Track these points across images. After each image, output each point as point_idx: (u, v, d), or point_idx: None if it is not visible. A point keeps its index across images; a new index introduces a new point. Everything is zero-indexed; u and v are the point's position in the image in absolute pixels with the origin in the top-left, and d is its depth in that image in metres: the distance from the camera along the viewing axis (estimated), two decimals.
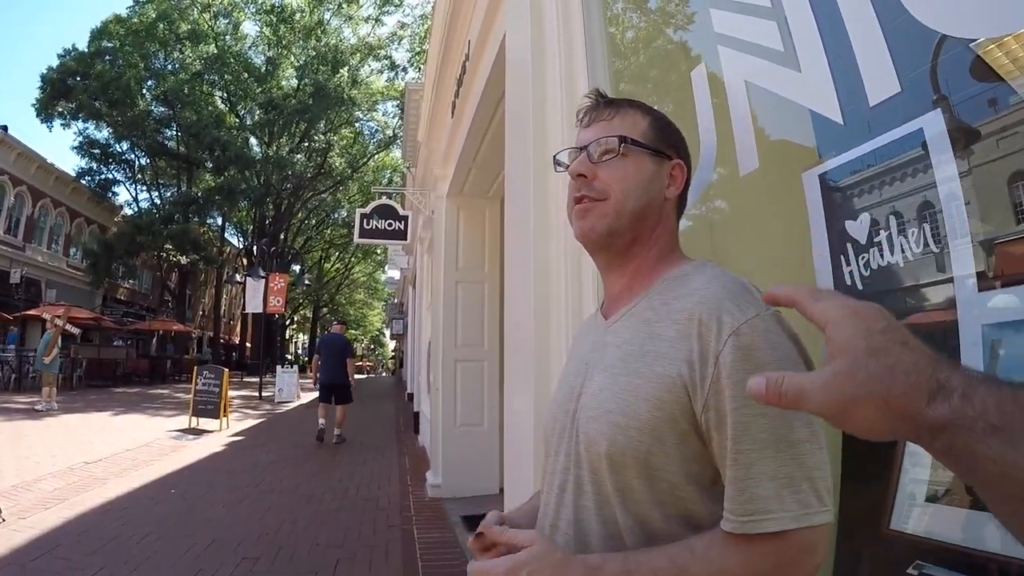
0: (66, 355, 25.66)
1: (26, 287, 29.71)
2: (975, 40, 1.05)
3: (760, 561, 0.97)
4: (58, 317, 16.23)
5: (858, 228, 1.27)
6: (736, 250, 1.66)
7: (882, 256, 1.22)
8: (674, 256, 1.25)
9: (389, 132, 42.78)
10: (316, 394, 13.20)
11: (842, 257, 1.29)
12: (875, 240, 1.23)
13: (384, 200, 12.52)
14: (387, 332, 52.31)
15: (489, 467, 7.77)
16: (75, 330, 17.68)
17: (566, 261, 2.56)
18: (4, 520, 5.91)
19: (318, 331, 65.88)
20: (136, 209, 39.21)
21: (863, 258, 1.25)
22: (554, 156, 1.36)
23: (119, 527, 6.07)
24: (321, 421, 12.58)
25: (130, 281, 41.46)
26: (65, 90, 33.79)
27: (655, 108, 1.29)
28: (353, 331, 69.89)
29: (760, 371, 0.95)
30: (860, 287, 1.25)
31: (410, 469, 9.84)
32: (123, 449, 10.63)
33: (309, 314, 60.68)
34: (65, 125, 35.93)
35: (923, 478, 1.18)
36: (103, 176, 38.24)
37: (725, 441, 1.00)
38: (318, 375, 13.23)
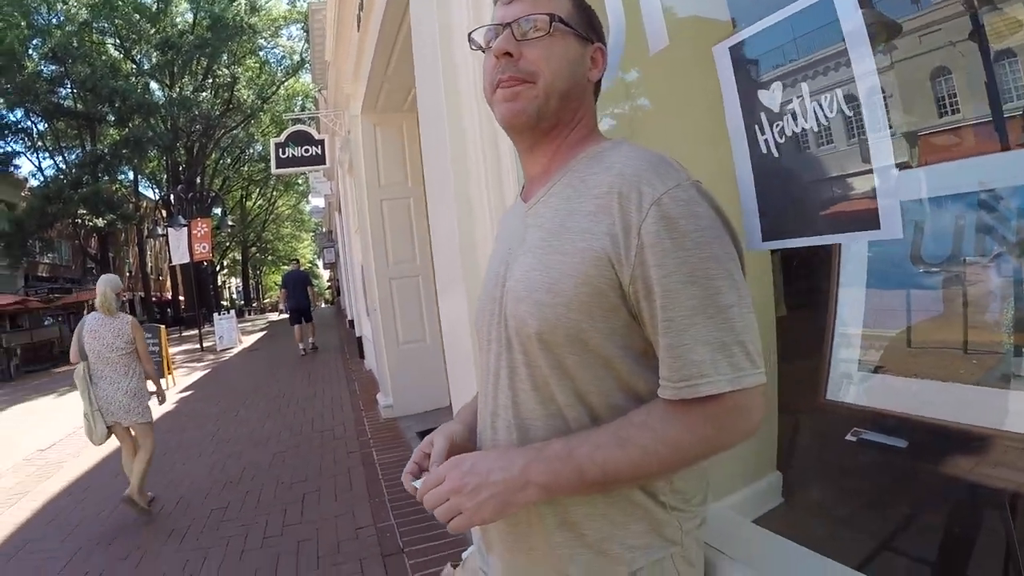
0: None
1: None
2: None
3: (700, 425, 0.99)
4: None
5: (770, 96, 1.26)
6: (651, 130, 1.65)
7: (795, 123, 1.22)
8: (593, 137, 1.24)
9: (296, 57, 41.41)
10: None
11: (756, 127, 1.29)
12: (788, 108, 1.23)
13: (298, 127, 12.16)
14: (319, 263, 51.63)
15: (437, 380, 7.82)
16: None
17: (484, 160, 2.53)
18: None
19: (250, 272, 64.80)
20: (42, 179, 36.90)
21: (777, 126, 1.25)
22: (469, 34, 1.30)
23: (85, 508, 6.03)
24: (300, 342, 16.68)
25: (49, 255, 39.39)
26: None
27: None
28: (284, 266, 68.89)
29: (683, 239, 0.97)
30: (776, 155, 1.26)
31: (360, 394, 9.91)
32: (73, 428, 10.35)
33: (239, 256, 59.40)
34: None
35: (855, 347, 1.22)
36: (1, 150, 35.74)
37: (655, 310, 1.01)
38: (287, 303, 17.06)
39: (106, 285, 5.59)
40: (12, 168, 36.29)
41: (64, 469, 7.73)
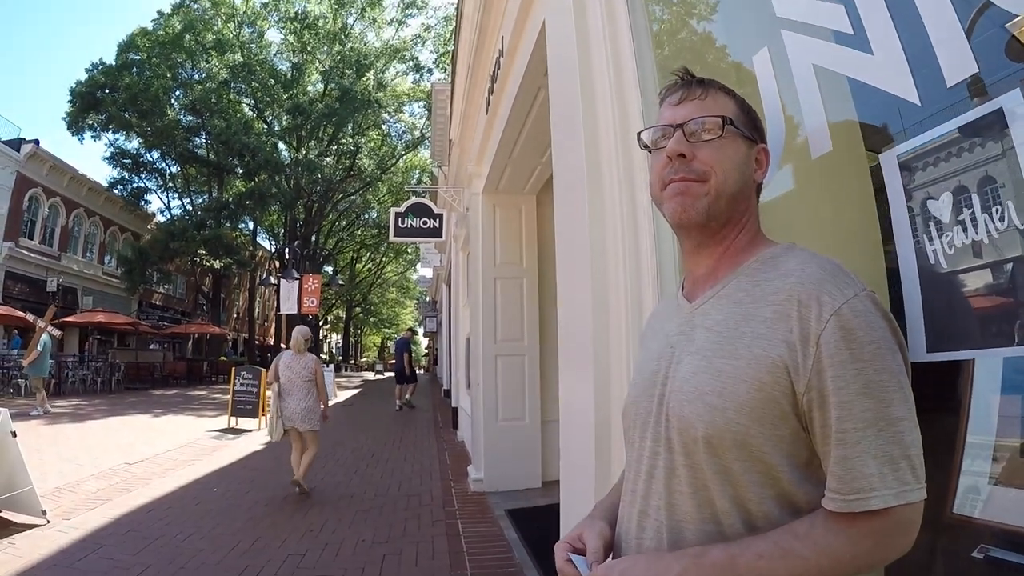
0: (104, 359, 26.18)
1: (63, 295, 30.34)
2: None
3: (863, 539, 0.97)
4: (42, 319, 16.08)
5: (940, 207, 1.26)
6: (808, 233, 1.66)
7: (965, 234, 1.21)
8: (759, 239, 1.25)
9: (417, 133, 42.96)
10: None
11: (925, 237, 1.28)
12: (958, 218, 1.22)
13: (418, 199, 12.59)
14: (420, 330, 52.58)
15: (531, 460, 7.82)
16: (57, 332, 17.28)
17: (623, 248, 2.54)
18: (49, 521, 6.00)
19: (351, 330, 66.39)
20: (169, 216, 39.84)
21: (946, 237, 1.24)
22: (638, 134, 1.35)
23: (163, 526, 6.18)
24: (397, 399, 19.44)
25: (165, 286, 42.08)
26: (94, 102, 34.33)
27: (736, 92, 1.30)
28: (386, 330, 70.25)
29: (860, 351, 0.97)
30: (945, 266, 1.24)
31: (451, 464, 9.90)
32: (164, 449, 10.81)
33: (342, 314, 61.14)
34: (96, 137, 36.46)
35: (986, 460, 1.17)
36: (135, 185, 38.75)
37: (828, 421, 1.01)
38: (396, 365, 20.47)
39: (299, 333, 8.00)
40: (143, 202, 39.50)
41: (149, 486, 7.98)
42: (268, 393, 8.12)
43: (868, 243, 1.41)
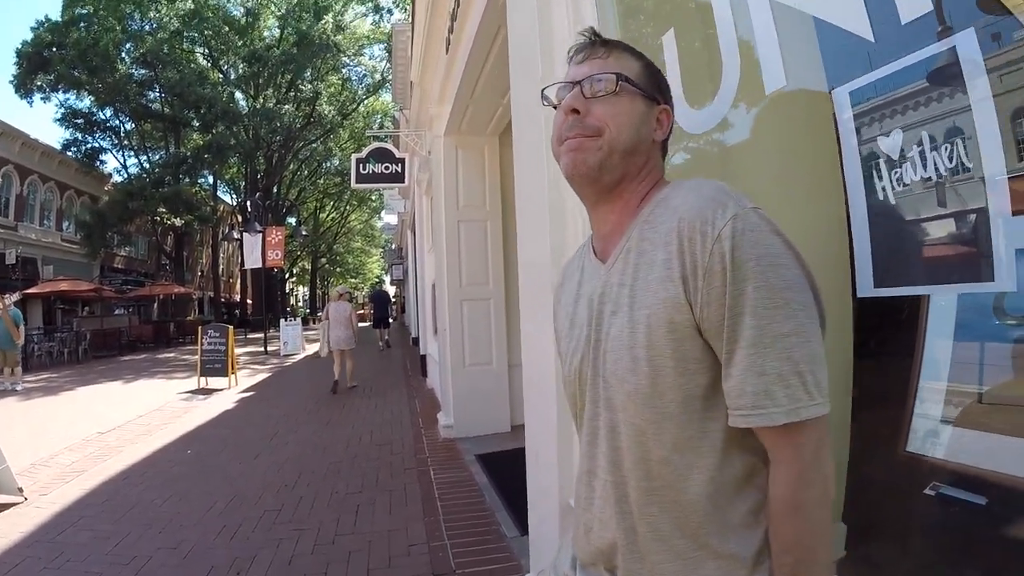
0: (69, 329, 25.71)
1: (23, 266, 29.44)
2: None
3: (794, 462, 1.03)
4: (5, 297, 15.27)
5: (890, 144, 1.26)
6: (760, 170, 1.65)
7: (914, 171, 1.21)
8: (659, 185, 1.26)
9: (377, 76, 42.31)
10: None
11: (874, 173, 1.29)
12: (907, 155, 1.22)
13: (379, 143, 12.41)
14: (387, 279, 52.40)
15: (500, 405, 7.87)
16: (12, 299, 16.40)
17: None
18: (26, 499, 5.91)
19: (318, 282, 66.01)
20: (126, 176, 38.66)
21: (895, 173, 1.25)
22: (542, 91, 1.36)
23: (140, 492, 6.17)
24: (379, 340, 23.85)
25: (126, 249, 40.99)
26: (42, 62, 32.80)
27: (643, 54, 1.30)
28: (353, 279, 69.98)
29: (740, 271, 1.00)
30: (893, 202, 1.25)
31: (421, 412, 9.95)
32: (135, 415, 10.71)
33: (308, 266, 60.65)
34: (45, 98, 35.07)
35: (939, 401, 1.19)
36: (89, 145, 37.53)
37: (722, 345, 1.04)
38: (374, 313, 25.41)
39: (338, 290, 13.73)
40: (98, 163, 38.21)
41: (123, 453, 7.93)
42: (320, 326, 13.34)
43: (828, 178, 1.42)
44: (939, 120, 1.17)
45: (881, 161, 1.27)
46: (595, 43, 1.28)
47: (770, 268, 1.00)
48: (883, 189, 1.27)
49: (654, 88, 1.26)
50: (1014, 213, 1.06)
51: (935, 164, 1.18)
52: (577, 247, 2.30)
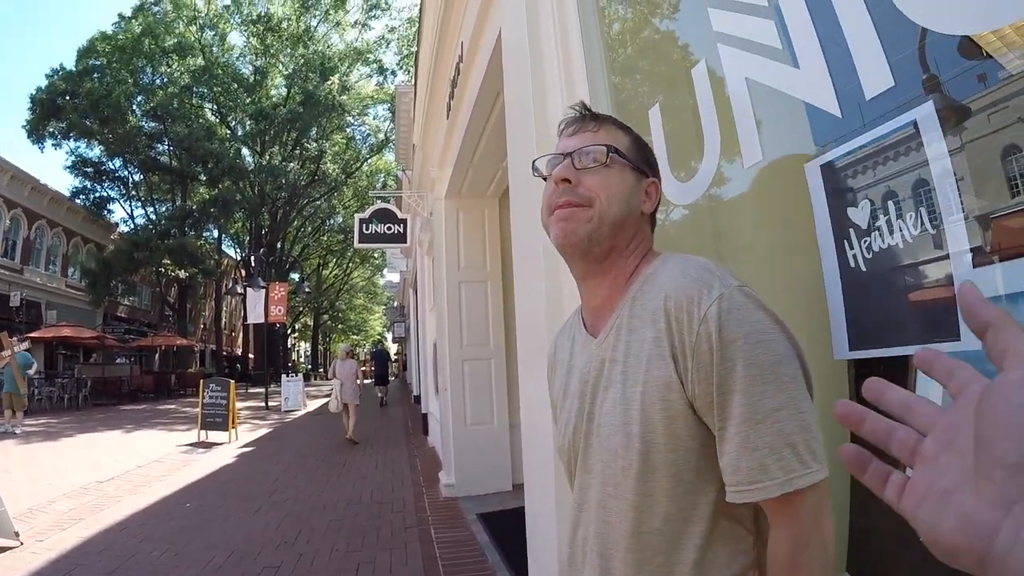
0: (70, 375, 25.70)
1: (27, 309, 29.66)
2: (961, 34, 1.12)
3: (793, 529, 1.05)
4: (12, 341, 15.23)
5: (859, 214, 1.34)
6: (743, 238, 1.73)
7: (882, 239, 1.29)
8: (647, 258, 1.29)
9: (381, 136, 43.05)
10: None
11: (845, 242, 1.36)
12: (875, 224, 1.30)
13: (382, 204, 12.58)
14: (389, 336, 52.30)
15: (502, 464, 7.85)
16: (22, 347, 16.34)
17: None
18: (22, 544, 5.90)
19: (320, 338, 65.88)
20: (132, 226, 39.38)
21: (865, 242, 1.32)
22: (533, 162, 1.41)
23: (137, 544, 6.12)
24: (379, 395, 24.64)
25: (130, 298, 41.40)
26: (55, 109, 33.83)
27: (632, 128, 1.35)
28: (355, 336, 69.91)
29: (728, 350, 1.03)
30: (864, 269, 1.32)
31: (422, 470, 9.90)
32: (135, 466, 10.68)
33: (310, 322, 60.71)
34: (56, 145, 36.03)
35: None
36: (98, 194, 38.38)
37: (715, 423, 1.07)
38: (375, 371, 27.12)
39: (344, 347, 14.78)
40: (106, 212, 38.94)
41: (121, 503, 7.90)
42: (333, 384, 13.60)
43: (805, 247, 1.49)
44: (903, 188, 1.25)
45: (851, 230, 1.35)
46: (586, 117, 1.32)
47: (758, 344, 1.03)
48: (854, 257, 1.34)
49: (643, 161, 1.29)
50: (975, 265, 1.12)
51: (901, 231, 1.24)
52: (570, 312, 2.37)
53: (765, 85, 1.60)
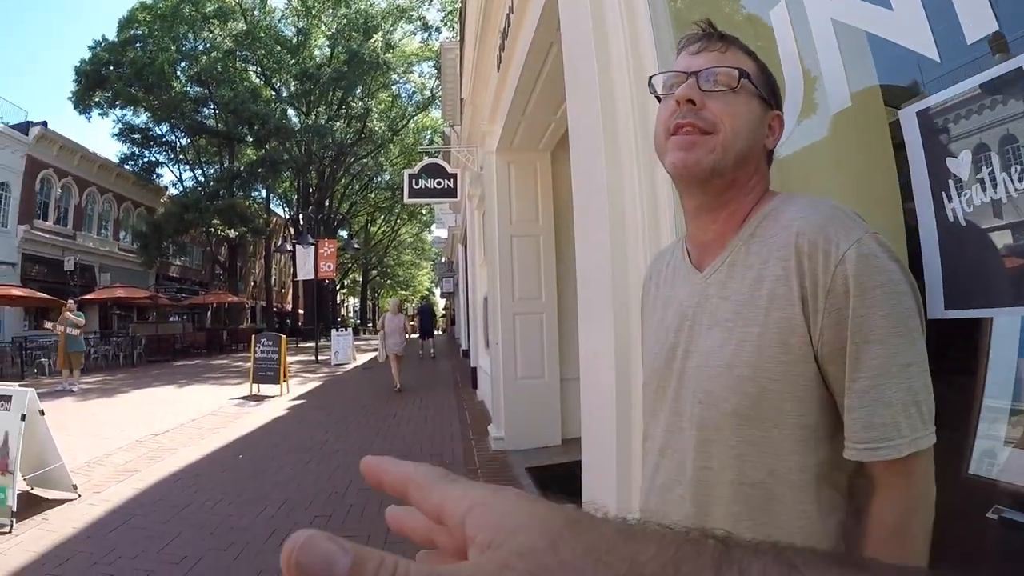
0: (124, 334, 26.52)
1: (80, 273, 30.52)
2: None
3: (906, 490, 1.01)
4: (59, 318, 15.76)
5: (959, 165, 1.26)
6: (821, 189, 1.65)
7: (984, 192, 1.21)
8: (765, 198, 1.21)
9: (427, 93, 42.75)
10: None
11: (944, 194, 1.28)
12: (977, 176, 1.22)
13: (431, 159, 12.54)
14: (436, 291, 52.63)
15: (551, 418, 7.88)
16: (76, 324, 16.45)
17: (641, 202, 2.53)
18: (80, 496, 6.09)
19: (369, 294, 66.66)
20: (181, 188, 39.85)
21: (965, 195, 1.24)
22: (650, 78, 1.29)
23: (191, 494, 6.30)
24: (420, 350, 25.53)
25: (181, 258, 42.31)
26: (100, 80, 34.06)
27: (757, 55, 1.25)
28: (403, 292, 70.58)
29: (865, 298, 0.97)
30: (963, 223, 1.24)
31: (471, 424, 9.99)
32: (189, 419, 10.97)
33: (359, 278, 61.37)
34: (103, 114, 36.37)
35: (1003, 422, 1.18)
36: (146, 159, 38.72)
37: (842, 372, 1.01)
38: (420, 326, 27.25)
39: (394, 302, 15.50)
40: (155, 176, 39.47)
41: (176, 455, 8.10)
42: (379, 336, 15.05)
43: (887, 199, 1.41)
44: (1008, 141, 1.17)
45: (949, 181, 1.27)
46: (712, 35, 1.22)
47: (894, 295, 0.98)
48: (952, 210, 1.26)
49: (769, 91, 1.21)
50: None
51: (1004, 184, 1.17)
52: (643, 259, 2.27)
53: (854, 27, 1.50)
